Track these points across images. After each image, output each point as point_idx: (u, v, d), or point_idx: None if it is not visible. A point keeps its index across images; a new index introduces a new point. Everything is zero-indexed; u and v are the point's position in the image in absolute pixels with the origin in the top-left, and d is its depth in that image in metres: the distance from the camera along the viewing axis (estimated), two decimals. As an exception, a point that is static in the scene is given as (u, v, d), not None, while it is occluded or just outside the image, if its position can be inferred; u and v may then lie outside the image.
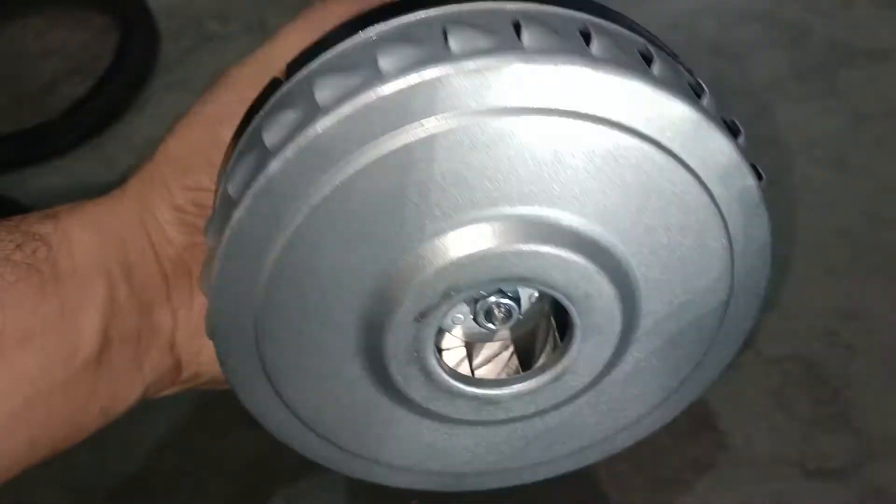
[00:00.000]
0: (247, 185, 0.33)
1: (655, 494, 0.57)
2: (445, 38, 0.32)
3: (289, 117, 0.33)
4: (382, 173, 0.33)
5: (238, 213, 0.33)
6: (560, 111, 0.32)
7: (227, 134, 0.36)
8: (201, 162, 0.37)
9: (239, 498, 0.59)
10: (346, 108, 0.31)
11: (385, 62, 0.31)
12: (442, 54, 0.31)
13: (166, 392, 0.42)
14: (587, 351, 0.41)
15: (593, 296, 0.38)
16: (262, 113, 0.35)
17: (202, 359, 0.41)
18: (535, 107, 0.32)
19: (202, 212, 0.37)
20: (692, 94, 0.36)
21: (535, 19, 0.33)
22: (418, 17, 0.33)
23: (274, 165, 0.32)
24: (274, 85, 0.35)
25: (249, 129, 0.35)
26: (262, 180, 0.33)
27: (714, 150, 0.36)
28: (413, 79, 0.31)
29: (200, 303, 0.38)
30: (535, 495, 0.57)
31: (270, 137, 0.33)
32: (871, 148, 0.70)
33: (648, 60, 0.35)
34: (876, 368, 0.61)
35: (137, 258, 0.37)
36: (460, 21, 0.32)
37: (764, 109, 0.72)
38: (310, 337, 0.38)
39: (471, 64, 0.31)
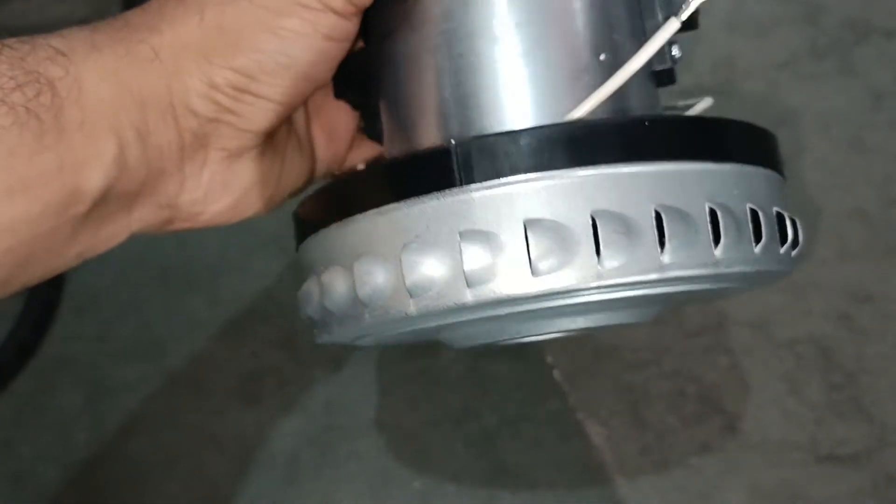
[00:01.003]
0: None
1: (662, 478, 0.55)
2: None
3: None
4: None
5: None
6: None
7: (289, 24, 0.34)
8: (253, 47, 0.35)
9: (236, 476, 0.58)
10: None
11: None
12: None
13: (148, 232, 0.40)
14: None
15: None
16: None
17: (202, 219, 0.39)
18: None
19: (237, 95, 0.36)
20: None
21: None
22: None
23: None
24: None
25: None
26: None
27: None
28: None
29: (211, 171, 0.36)
30: (543, 477, 0.56)
31: None
32: (888, 127, 0.68)
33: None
34: (891, 353, 0.59)
35: (156, 124, 0.34)
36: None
37: (778, 87, 0.70)
38: None
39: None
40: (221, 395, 0.61)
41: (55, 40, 0.32)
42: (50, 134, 0.31)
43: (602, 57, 0.34)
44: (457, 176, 0.29)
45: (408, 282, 0.29)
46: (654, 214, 0.29)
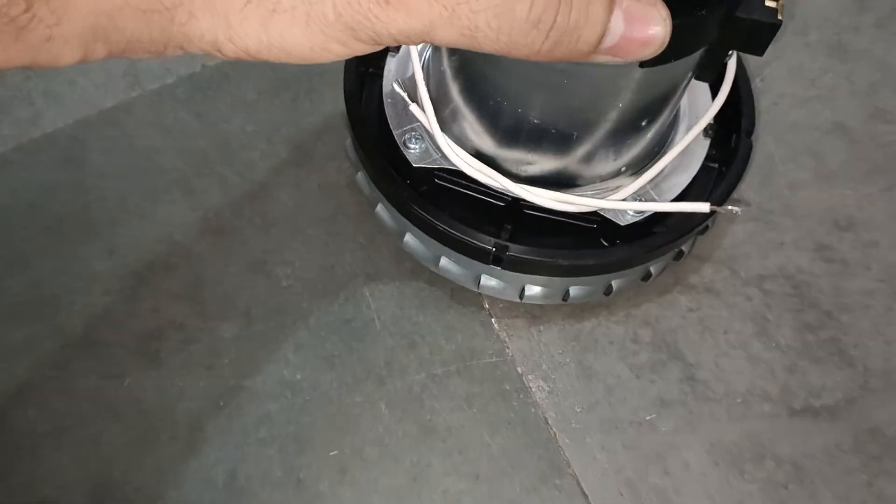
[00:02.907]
0: None
1: (611, 437, 0.48)
2: None
3: None
4: None
5: None
6: None
7: (335, 50, 0.32)
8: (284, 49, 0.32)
9: (135, 446, 0.51)
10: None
11: None
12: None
13: None
14: None
15: None
16: None
17: None
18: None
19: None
20: None
21: None
22: None
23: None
24: None
25: None
26: None
27: None
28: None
29: None
30: (477, 440, 0.49)
31: None
32: (872, 31, 0.59)
33: None
34: (875, 287, 0.52)
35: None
36: None
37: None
38: None
39: None
40: (118, 356, 0.54)
41: None
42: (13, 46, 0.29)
43: None
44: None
45: None
46: None
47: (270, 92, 0.63)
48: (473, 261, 0.49)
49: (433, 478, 0.48)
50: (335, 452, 0.49)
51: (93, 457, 0.51)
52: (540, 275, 0.48)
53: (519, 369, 0.51)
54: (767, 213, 0.54)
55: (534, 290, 0.49)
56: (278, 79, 0.64)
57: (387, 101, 0.52)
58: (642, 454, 0.48)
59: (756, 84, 0.57)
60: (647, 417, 0.49)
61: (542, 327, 0.52)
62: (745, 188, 0.55)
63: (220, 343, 0.54)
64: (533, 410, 0.50)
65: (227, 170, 0.60)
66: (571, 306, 0.53)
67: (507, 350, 0.52)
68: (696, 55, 0.41)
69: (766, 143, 0.57)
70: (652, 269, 0.49)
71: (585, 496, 0.47)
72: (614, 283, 0.49)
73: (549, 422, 0.49)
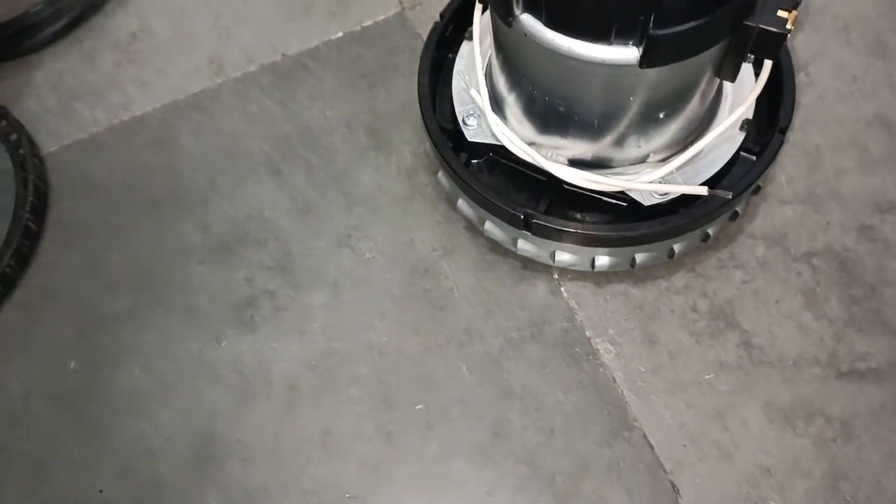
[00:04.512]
0: None
1: (674, 397, 0.53)
2: None
3: None
4: None
5: None
6: None
7: None
8: None
9: (234, 405, 0.56)
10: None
11: None
12: None
13: None
14: None
15: None
16: None
17: None
18: None
19: None
20: None
21: None
22: None
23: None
24: None
25: None
26: None
27: None
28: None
29: None
30: (551, 399, 0.54)
31: None
32: (912, 30, 0.64)
33: None
34: (914, 264, 0.56)
35: None
36: None
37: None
38: None
39: None
40: (215, 321, 0.58)
41: None
42: None
43: None
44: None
45: None
46: None
47: (348, 82, 0.68)
48: (510, 225, 0.54)
49: (512, 433, 0.53)
50: (421, 409, 0.54)
51: (195, 413, 0.56)
52: (565, 242, 0.53)
53: (588, 334, 0.56)
54: (815, 198, 0.59)
55: (603, 259, 0.54)
56: (355, 69, 0.68)
57: (455, 83, 0.58)
58: (703, 411, 0.53)
59: (801, 79, 0.61)
60: (707, 378, 0.54)
61: (608, 297, 0.57)
62: (794, 174, 0.60)
63: (311, 310, 0.58)
64: (602, 371, 0.54)
65: (310, 153, 0.65)
66: (634, 279, 0.57)
67: (577, 317, 0.56)
68: (707, 56, 0.46)
69: (812, 134, 0.62)
70: (710, 231, 0.54)
71: (652, 448, 0.52)
72: (676, 247, 0.54)
73: (617, 381, 0.54)
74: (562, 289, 0.58)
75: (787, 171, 0.60)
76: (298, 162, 0.64)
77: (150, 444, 0.55)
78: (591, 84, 0.47)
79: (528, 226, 0.53)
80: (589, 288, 0.57)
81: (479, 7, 0.55)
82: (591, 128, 0.51)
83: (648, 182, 0.51)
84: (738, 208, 0.55)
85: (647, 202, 0.52)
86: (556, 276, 0.58)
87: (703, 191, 0.50)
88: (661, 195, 0.52)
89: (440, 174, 0.59)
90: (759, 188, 0.57)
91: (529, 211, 0.52)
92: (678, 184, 0.52)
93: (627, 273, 0.57)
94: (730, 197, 0.50)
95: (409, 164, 0.64)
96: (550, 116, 0.52)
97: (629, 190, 0.53)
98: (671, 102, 0.50)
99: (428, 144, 0.59)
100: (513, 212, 0.53)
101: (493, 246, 0.59)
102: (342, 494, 0.52)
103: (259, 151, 0.65)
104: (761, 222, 0.59)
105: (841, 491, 0.50)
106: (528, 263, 0.58)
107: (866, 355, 0.54)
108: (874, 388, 0.53)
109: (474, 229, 0.60)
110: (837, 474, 0.50)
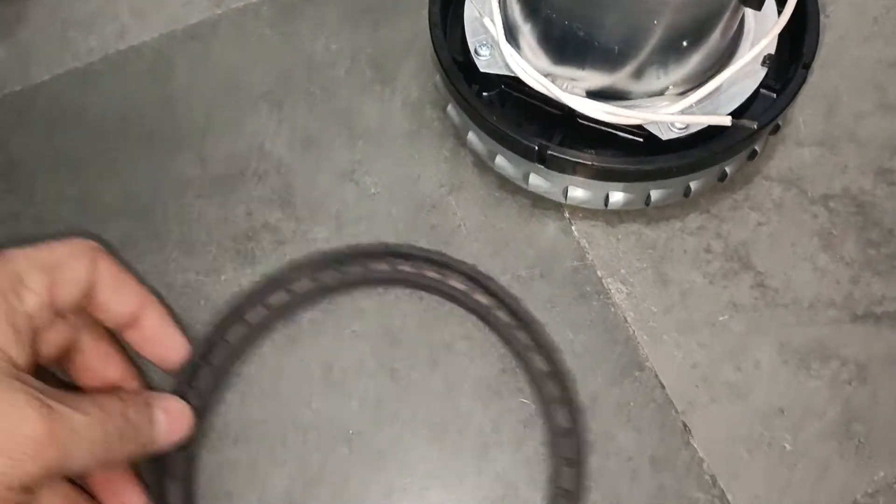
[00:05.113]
0: None
1: (686, 336, 0.52)
2: None
3: None
4: None
5: None
6: None
7: None
8: None
9: (231, 339, 0.54)
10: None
11: None
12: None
13: None
14: None
15: None
16: None
17: None
18: None
19: None
20: None
21: None
22: None
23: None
24: None
25: None
26: None
27: None
28: None
29: None
30: (560, 337, 0.52)
31: None
32: (934, -28, 0.63)
33: None
34: (932, 208, 0.55)
35: None
36: None
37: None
38: None
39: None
40: (214, 254, 0.57)
41: None
42: None
43: None
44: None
45: None
46: None
47: (352, 17, 0.66)
48: (522, 159, 0.53)
49: (520, 370, 0.51)
50: (426, 346, 0.53)
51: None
52: (579, 175, 0.52)
53: (599, 273, 0.54)
54: (833, 140, 0.58)
55: (617, 196, 0.53)
56: (359, 4, 0.66)
57: (466, 12, 0.56)
58: (716, 352, 0.51)
59: (821, 20, 0.60)
60: (721, 319, 0.52)
61: (619, 236, 0.55)
62: (811, 116, 0.59)
63: (313, 244, 0.56)
64: (613, 310, 0.53)
65: (312, 86, 0.63)
66: (647, 219, 0.56)
67: (588, 256, 0.55)
68: None
69: (831, 76, 0.60)
70: (728, 170, 0.53)
71: (663, 388, 0.50)
72: (693, 184, 0.52)
73: (629, 321, 0.53)
74: (573, 228, 0.56)
75: (804, 113, 0.59)
76: (300, 95, 0.62)
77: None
78: (614, 3, 0.45)
79: (541, 158, 0.51)
80: (600, 227, 0.56)
81: None
82: (611, 56, 0.49)
83: (670, 114, 0.50)
84: (756, 146, 0.54)
85: (664, 136, 0.51)
86: (566, 214, 0.56)
87: (727, 120, 0.49)
88: (679, 129, 0.51)
89: (450, 107, 0.57)
90: (778, 127, 0.55)
91: (544, 142, 0.51)
92: (700, 115, 0.50)
93: (640, 213, 0.56)
94: (755, 127, 0.48)
95: (415, 99, 0.62)
96: (568, 43, 0.50)
97: (647, 124, 0.51)
98: (695, 29, 0.48)
99: (438, 76, 0.57)
100: (527, 143, 0.51)
101: (503, 183, 0.57)
102: (344, 430, 0.50)
103: (259, 83, 0.63)
104: (778, 164, 0.57)
105: (855, 433, 0.49)
106: (538, 202, 0.56)
107: (883, 299, 0.53)
108: (890, 331, 0.52)
109: (483, 166, 0.58)
110: (851, 416, 0.49)
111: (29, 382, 0.37)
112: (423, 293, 0.54)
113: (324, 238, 0.57)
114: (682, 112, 0.50)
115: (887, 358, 0.51)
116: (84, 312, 0.46)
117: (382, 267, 0.53)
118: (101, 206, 0.59)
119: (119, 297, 0.45)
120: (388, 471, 0.49)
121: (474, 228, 0.56)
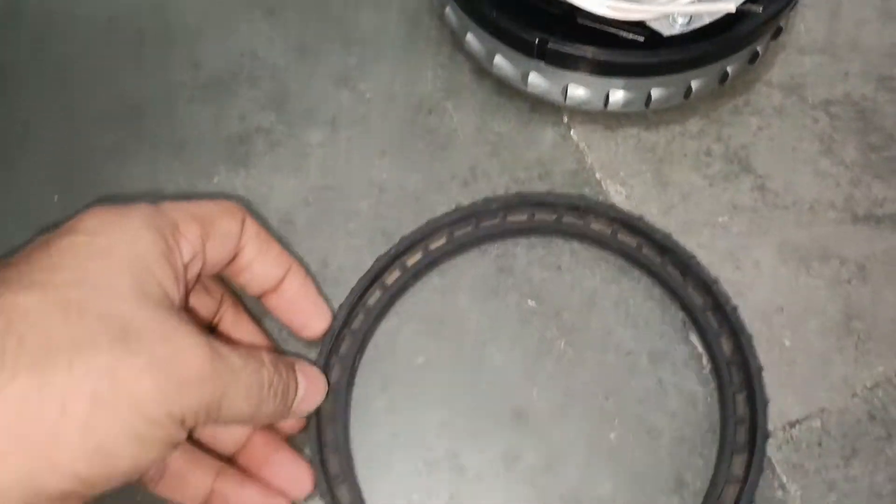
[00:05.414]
0: None
1: (686, 236, 0.51)
2: None
3: None
4: None
5: None
6: None
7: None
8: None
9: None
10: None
11: None
12: None
13: None
14: None
15: None
16: None
17: None
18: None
19: None
20: None
21: None
22: None
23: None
24: None
25: None
26: None
27: None
28: None
29: None
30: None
31: None
32: None
33: None
34: (934, 114, 0.55)
35: None
36: None
37: None
38: None
39: None
40: (206, 158, 0.55)
41: None
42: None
43: None
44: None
45: None
46: None
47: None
48: (522, 57, 0.52)
49: (517, 268, 0.51)
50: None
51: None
52: (580, 71, 0.51)
53: (598, 175, 0.53)
54: (834, 47, 0.57)
55: (618, 94, 0.52)
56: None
57: None
58: (716, 252, 0.51)
59: (823, -69, 0.59)
60: (720, 220, 0.52)
61: (619, 140, 0.55)
62: (813, 23, 0.58)
63: (308, 147, 0.55)
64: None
65: (307, -7, 0.62)
66: (647, 123, 0.55)
67: (587, 159, 0.54)
68: None
69: (831, -17, 0.60)
70: (729, 70, 0.52)
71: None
72: (693, 84, 0.52)
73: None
74: (571, 132, 0.55)
75: (806, 20, 0.58)
76: (293, 1, 0.61)
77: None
78: None
79: (542, 53, 0.50)
80: (599, 132, 0.55)
81: None
82: None
83: (675, 5, 0.49)
84: (758, 47, 0.53)
85: (667, 32, 0.50)
86: (565, 119, 0.56)
87: (731, 7, 0.48)
88: (682, 24, 0.50)
89: (448, 9, 0.56)
90: (780, 29, 0.54)
91: (544, 35, 0.50)
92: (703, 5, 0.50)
93: (640, 117, 0.55)
94: (760, 11, 0.48)
95: (412, 7, 0.60)
96: None
97: (650, 20, 0.50)
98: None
99: (435, -23, 0.56)
100: (526, 37, 0.50)
101: (501, 88, 0.56)
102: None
103: (254, -10, 0.62)
104: (778, 71, 0.57)
105: (855, 330, 0.49)
106: (536, 106, 0.56)
107: (884, 201, 0.52)
108: (890, 232, 0.51)
109: (481, 71, 0.57)
110: (851, 314, 0.49)
111: (189, 320, 0.36)
112: (562, 240, 0.52)
113: (318, 142, 0.56)
114: (688, 2, 0.50)
115: (888, 257, 0.50)
116: (226, 290, 0.45)
117: (519, 217, 0.51)
118: (90, 111, 0.58)
119: (265, 259, 0.43)
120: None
121: (472, 132, 0.55)
